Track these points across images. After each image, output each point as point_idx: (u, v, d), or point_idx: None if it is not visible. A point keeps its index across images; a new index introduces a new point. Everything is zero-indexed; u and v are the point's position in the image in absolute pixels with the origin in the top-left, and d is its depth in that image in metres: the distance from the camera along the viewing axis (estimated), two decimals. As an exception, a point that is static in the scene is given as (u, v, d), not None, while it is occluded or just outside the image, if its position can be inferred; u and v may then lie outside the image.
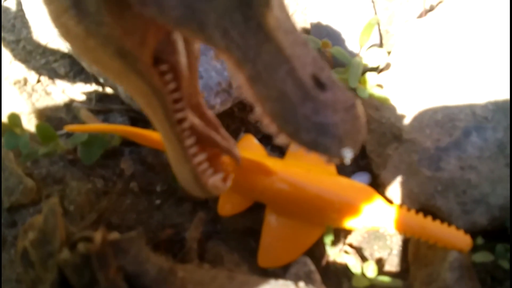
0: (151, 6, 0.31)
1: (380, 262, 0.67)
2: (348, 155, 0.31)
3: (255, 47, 0.30)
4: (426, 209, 0.65)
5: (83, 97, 0.73)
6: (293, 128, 0.31)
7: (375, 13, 0.79)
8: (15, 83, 0.73)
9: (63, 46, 0.74)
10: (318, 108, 0.30)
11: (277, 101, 0.30)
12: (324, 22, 0.74)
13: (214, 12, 0.29)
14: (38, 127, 0.62)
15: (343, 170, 0.71)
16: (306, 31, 0.78)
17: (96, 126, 0.65)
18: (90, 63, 0.37)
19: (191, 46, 0.41)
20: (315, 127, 0.30)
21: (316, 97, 0.30)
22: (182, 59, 0.40)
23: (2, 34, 0.77)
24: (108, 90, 0.72)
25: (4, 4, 0.78)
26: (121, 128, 0.65)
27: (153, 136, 0.64)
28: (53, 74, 0.75)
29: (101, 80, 0.71)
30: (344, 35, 0.73)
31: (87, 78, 0.74)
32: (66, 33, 0.34)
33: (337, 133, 0.30)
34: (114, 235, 0.44)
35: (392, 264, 0.67)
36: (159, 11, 0.31)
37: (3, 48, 0.76)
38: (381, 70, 0.72)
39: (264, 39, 0.30)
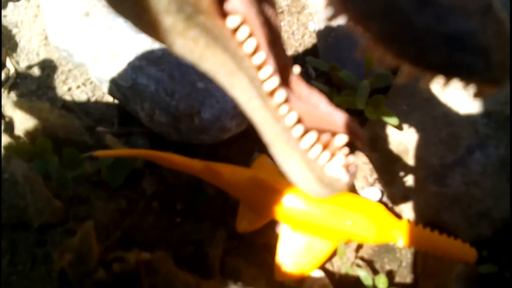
0: None
1: (390, 274, 0.70)
2: (502, 76, 0.23)
3: None
4: (433, 223, 0.68)
5: (105, 121, 0.77)
6: (416, 49, 0.23)
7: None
8: (41, 110, 0.77)
9: (85, 73, 0.78)
10: (442, 14, 0.22)
11: (384, 16, 0.23)
12: (332, 46, 0.78)
13: None
14: (65, 152, 0.66)
15: (353, 187, 0.75)
16: (315, 55, 0.82)
17: (121, 151, 0.69)
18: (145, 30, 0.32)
19: None
20: (445, 41, 0.22)
21: (435, 0, 0.22)
22: (255, 9, 0.31)
23: (28, 63, 0.81)
24: (129, 114, 0.76)
25: (29, 33, 0.83)
26: (144, 152, 0.69)
27: (173, 158, 0.68)
28: (77, 100, 0.79)
29: (123, 104, 0.76)
30: (351, 58, 0.77)
31: (109, 103, 0.78)
32: None
33: (478, 44, 0.22)
34: (146, 255, 0.47)
35: (402, 276, 0.70)
36: None
37: (28, 77, 0.80)
38: (388, 91, 0.75)
39: None
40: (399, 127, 0.71)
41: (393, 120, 0.69)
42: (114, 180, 0.68)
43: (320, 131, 0.35)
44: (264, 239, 0.71)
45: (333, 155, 0.35)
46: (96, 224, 0.70)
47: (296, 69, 0.35)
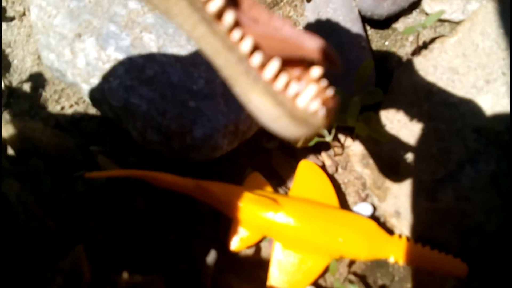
0: None
1: (383, 290, 0.70)
2: None
3: None
4: (425, 238, 0.69)
5: (98, 140, 0.77)
6: None
7: (371, 51, 0.83)
8: (34, 129, 0.77)
9: (78, 92, 0.78)
10: None
11: None
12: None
13: None
14: (58, 172, 0.66)
15: (345, 202, 0.75)
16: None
17: (112, 172, 0.69)
18: None
19: None
20: None
21: None
22: None
23: (20, 82, 0.81)
24: (122, 132, 0.76)
25: (22, 53, 0.83)
26: (135, 172, 0.69)
27: (165, 177, 0.69)
28: (70, 119, 0.79)
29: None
30: (342, 75, 0.77)
31: (102, 121, 0.79)
32: None
33: None
34: (137, 278, 0.47)
35: (395, 291, 0.70)
36: None
37: (21, 97, 0.81)
38: (378, 107, 0.76)
39: None
40: (390, 143, 0.72)
41: (384, 136, 0.69)
42: (105, 199, 0.68)
43: (287, 61, 0.29)
44: (257, 256, 0.71)
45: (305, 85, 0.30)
46: (89, 243, 0.70)
47: None
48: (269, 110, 0.29)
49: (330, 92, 0.31)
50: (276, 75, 0.29)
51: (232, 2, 0.29)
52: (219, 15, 0.28)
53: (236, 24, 0.28)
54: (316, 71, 0.30)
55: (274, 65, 0.29)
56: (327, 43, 0.30)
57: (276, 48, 0.29)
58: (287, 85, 0.29)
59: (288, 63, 0.30)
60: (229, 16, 0.28)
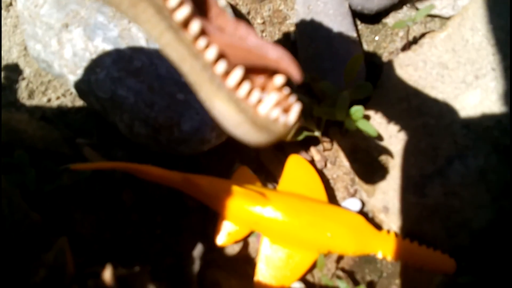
0: None
1: (371, 285, 0.70)
2: None
3: None
4: (413, 234, 0.68)
5: (85, 133, 0.76)
6: None
7: (361, 45, 0.83)
8: (19, 121, 0.76)
9: (65, 84, 0.77)
10: None
11: None
12: (313, 56, 0.78)
13: None
14: (43, 165, 0.65)
15: (334, 197, 0.75)
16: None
17: (98, 164, 0.68)
18: None
19: None
20: None
21: None
22: None
23: (7, 74, 0.80)
24: (109, 125, 0.75)
25: (8, 43, 0.82)
26: (121, 165, 0.68)
27: (152, 170, 0.68)
28: (56, 111, 0.78)
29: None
30: (332, 69, 0.77)
31: (89, 114, 0.78)
32: None
33: None
34: (121, 271, 0.47)
35: (383, 287, 0.70)
36: None
37: (7, 88, 0.79)
38: (368, 102, 0.75)
39: None
40: (379, 138, 0.72)
41: (373, 131, 0.69)
42: (91, 191, 0.67)
43: (251, 69, 0.31)
44: (244, 251, 0.71)
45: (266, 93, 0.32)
46: (75, 237, 0.69)
47: (221, 1, 0.32)
48: (231, 117, 0.31)
49: (292, 99, 0.32)
50: (239, 83, 0.30)
51: (199, 10, 0.31)
52: (186, 23, 0.29)
53: (202, 32, 0.30)
54: (279, 79, 0.32)
55: (238, 73, 0.30)
56: (289, 53, 0.31)
57: (240, 56, 0.31)
58: (249, 93, 0.31)
59: (252, 70, 0.32)
60: (195, 25, 0.29)
